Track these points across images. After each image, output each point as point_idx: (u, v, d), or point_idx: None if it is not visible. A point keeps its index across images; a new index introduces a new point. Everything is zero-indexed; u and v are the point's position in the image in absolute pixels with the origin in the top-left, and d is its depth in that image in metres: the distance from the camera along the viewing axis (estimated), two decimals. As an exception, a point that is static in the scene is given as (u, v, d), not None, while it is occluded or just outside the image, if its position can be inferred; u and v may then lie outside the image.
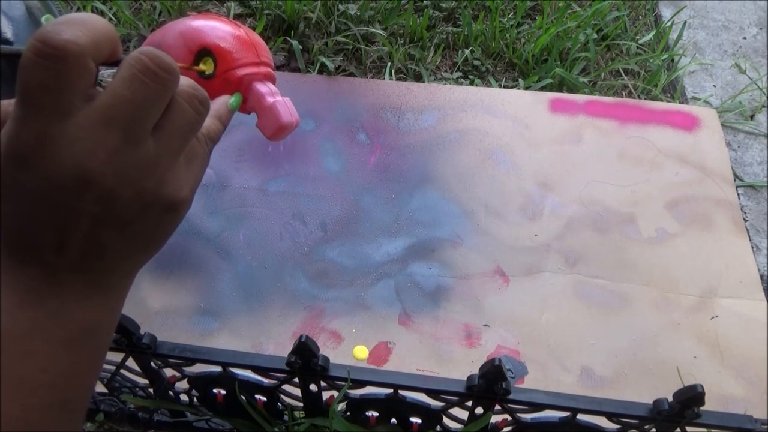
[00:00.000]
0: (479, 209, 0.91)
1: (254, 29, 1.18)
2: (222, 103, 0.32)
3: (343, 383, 0.54)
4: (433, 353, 0.76)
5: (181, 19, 0.35)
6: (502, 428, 0.58)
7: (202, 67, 0.33)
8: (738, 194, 0.95)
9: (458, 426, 0.58)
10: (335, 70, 1.13)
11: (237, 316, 0.79)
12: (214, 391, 0.61)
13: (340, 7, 1.21)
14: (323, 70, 1.12)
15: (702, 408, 0.49)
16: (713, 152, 0.99)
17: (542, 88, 1.12)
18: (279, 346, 0.76)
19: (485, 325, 0.79)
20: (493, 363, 0.49)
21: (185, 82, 0.27)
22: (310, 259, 0.86)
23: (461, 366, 0.75)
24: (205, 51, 0.33)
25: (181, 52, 0.33)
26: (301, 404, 0.60)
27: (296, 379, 0.55)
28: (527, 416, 0.55)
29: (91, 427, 0.70)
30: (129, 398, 0.64)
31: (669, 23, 1.23)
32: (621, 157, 0.98)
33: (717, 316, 0.80)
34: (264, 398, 0.61)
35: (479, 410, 0.55)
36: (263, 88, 0.35)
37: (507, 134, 1.01)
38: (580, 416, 0.52)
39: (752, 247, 0.89)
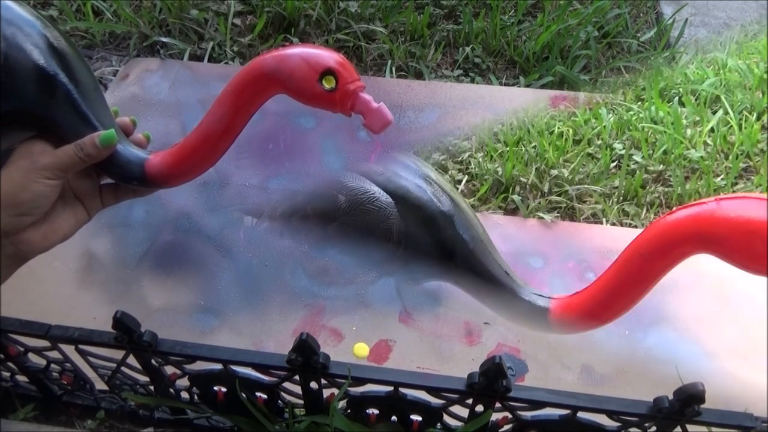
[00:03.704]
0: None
1: (255, 27, 1.18)
2: (90, 136, 0.46)
3: (343, 381, 0.55)
4: (434, 351, 0.76)
5: (289, 46, 0.46)
6: (503, 426, 0.58)
7: (326, 85, 0.45)
8: (739, 192, 0.95)
9: (459, 424, 0.58)
10: (336, 68, 1.12)
11: (237, 314, 0.79)
12: (215, 388, 0.61)
13: (341, 4, 1.21)
14: (324, 67, 1.12)
15: (702, 406, 0.49)
16: (714, 150, 0.99)
17: (543, 86, 1.12)
18: (279, 344, 0.76)
19: (486, 323, 0.79)
20: (494, 361, 0.49)
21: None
22: (310, 256, 0.85)
23: (462, 364, 0.75)
24: (327, 71, 0.44)
25: (307, 73, 0.44)
26: (301, 402, 0.60)
27: (297, 377, 0.56)
28: (527, 414, 0.55)
29: (92, 425, 0.70)
30: (130, 396, 0.64)
31: (670, 21, 1.23)
32: (622, 155, 0.98)
33: (717, 314, 0.80)
34: (264, 396, 0.61)
35: (480, 408, 0.55)
36: (367, 96, 0.45)
37: (508, 132, 1.01)
38: (581, 414, 0.52)
39: (753, 245, 0.88)
